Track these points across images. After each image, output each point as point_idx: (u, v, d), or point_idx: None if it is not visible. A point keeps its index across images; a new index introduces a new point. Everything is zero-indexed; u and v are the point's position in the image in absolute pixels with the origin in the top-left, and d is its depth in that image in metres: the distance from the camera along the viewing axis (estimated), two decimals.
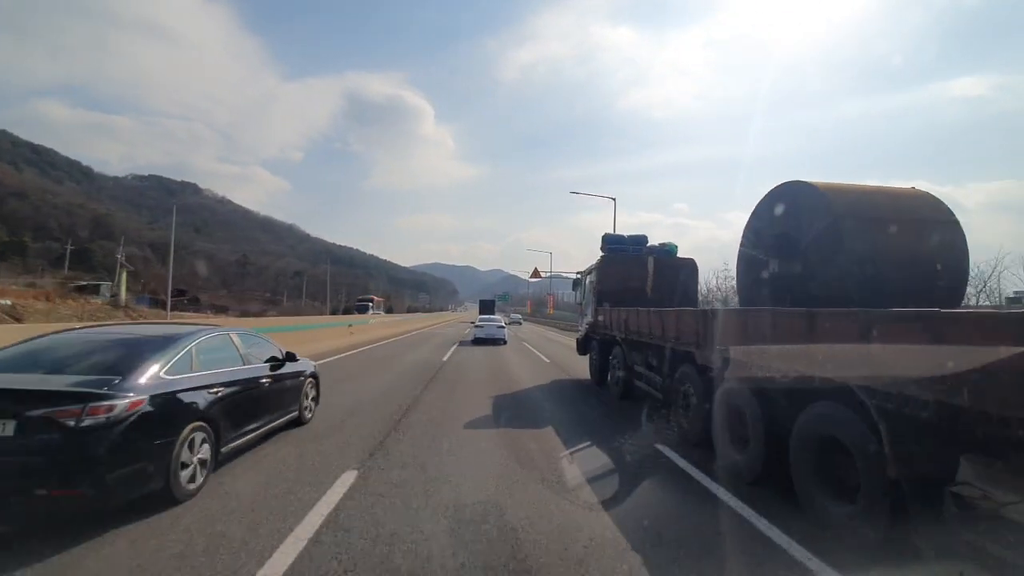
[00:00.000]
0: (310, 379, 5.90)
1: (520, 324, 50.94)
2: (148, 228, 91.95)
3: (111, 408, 3.02)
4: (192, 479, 3.57)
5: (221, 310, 54.25)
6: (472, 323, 28.92)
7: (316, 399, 6.14)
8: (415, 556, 2.79)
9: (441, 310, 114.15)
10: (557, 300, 59.03)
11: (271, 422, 4.93)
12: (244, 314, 46.71)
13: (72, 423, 2.89)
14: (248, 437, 4.45)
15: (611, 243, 9.90)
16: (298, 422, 5.58)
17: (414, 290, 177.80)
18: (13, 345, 3.71)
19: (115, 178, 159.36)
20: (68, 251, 58.40)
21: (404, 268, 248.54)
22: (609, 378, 8.70)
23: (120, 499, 3.13)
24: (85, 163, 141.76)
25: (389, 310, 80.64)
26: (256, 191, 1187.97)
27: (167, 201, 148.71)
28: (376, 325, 27.66)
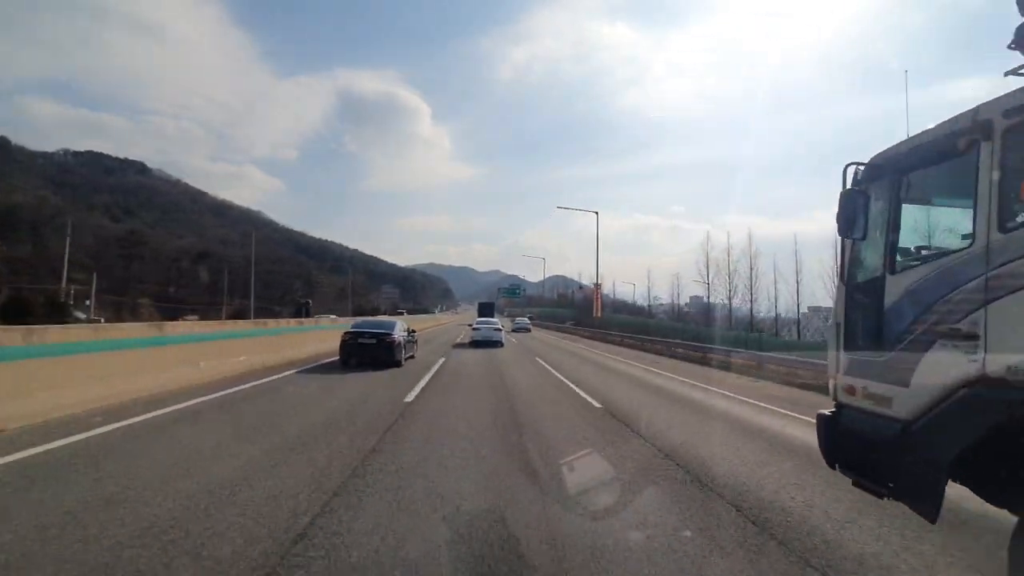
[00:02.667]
0: (416, 339, 17.82)
1: (528, 331, 46.49)
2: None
3: (393, 339, 14.72)
4: (403, 360, 15.20)
5: None
6: (470, 325, 33.39)
7: (416, 349, 17.88)
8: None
9: (424, 311, 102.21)
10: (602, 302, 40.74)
11: (409, 352, 16.53)
12: None
13: (388, 340, 14.57)
14: (408, 355, 16.08)
15: None
16: (413, 357, 17.16)
17: (398, 288, 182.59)
18: (361, 320, 16.46)
19: (43, 153, 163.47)
20: None
21: (388, 264, 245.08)
22: None
23: (399, 361, 14.78)
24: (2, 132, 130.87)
25: (321, 312, 62.78)
26: (252, 190, 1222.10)
27: (102, 181, 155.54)
28: None
